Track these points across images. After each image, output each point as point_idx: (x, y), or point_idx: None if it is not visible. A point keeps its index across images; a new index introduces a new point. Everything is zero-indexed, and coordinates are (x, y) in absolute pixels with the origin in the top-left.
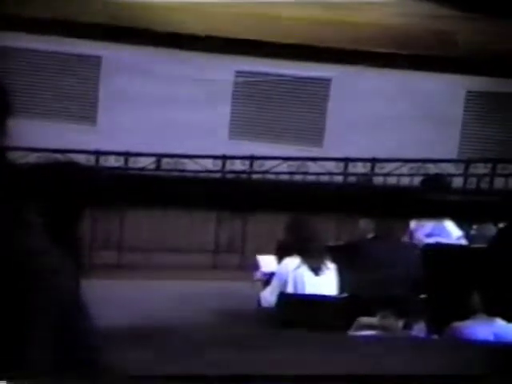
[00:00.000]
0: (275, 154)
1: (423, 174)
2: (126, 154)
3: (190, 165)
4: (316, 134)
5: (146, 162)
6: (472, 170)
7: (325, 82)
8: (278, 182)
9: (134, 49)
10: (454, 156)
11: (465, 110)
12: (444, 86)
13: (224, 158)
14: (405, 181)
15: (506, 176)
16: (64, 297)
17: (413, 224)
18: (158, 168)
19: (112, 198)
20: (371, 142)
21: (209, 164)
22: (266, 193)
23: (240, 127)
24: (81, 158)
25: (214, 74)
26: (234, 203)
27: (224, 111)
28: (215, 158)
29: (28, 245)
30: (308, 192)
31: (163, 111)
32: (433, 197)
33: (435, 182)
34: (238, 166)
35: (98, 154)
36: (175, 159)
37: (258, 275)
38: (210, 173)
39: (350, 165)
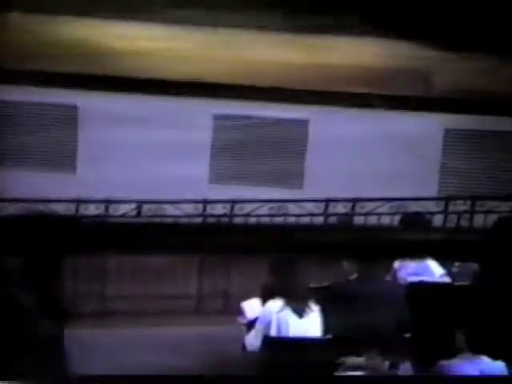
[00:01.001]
0: (256, 197)
1: (403, 213)
2: (107, 202)
3: (171, 210)
4: (296, 176)
5: (127, 209)
6: (452, 208)
7: (302, 124)
8: (259, 225)
9: (110, 97)
10: (433, 194)
11: (444, 148)
12: (422, 125)
13: (204, 202)
14: (386, 219)
15: (485, 213)
16: (44, 345)
17: (396, 263)
18: (138, 214)
19: (92, 246)
20: (351, 181)
21: (190, 209)
22: (248, 237)
23: (220, 171)
24: (61, 207)
25: (192, 118)
26: (215, 248)
27: (203, 155)
28: (196, 202)
29: (9, 293)
30: (290, 235)
31: (142, 158)
32: (414, 237)
33: (415, 220)
34: (219, 209)
35: (78, 202)
36: (156, 205)
37: (242, 319)
38: (191, 218)
39: (331, 205)
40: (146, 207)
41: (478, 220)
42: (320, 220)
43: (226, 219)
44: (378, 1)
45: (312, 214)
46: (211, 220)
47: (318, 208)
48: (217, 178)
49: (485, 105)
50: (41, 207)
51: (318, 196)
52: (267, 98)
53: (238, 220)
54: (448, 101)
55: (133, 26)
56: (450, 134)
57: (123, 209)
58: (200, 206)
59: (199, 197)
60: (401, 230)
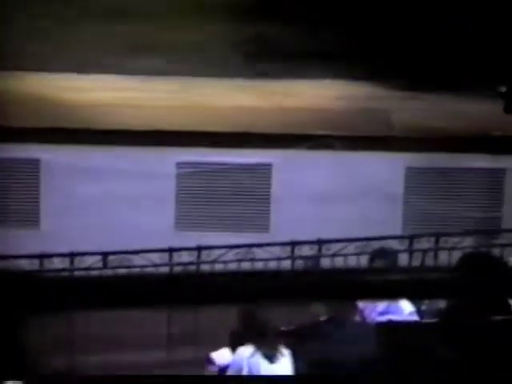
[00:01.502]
0: (222, 242)
1: (369, 253)
2: (71, 255)
3: (137, 260)
4: (261, 220)
5: (92, 261)
6: (416, 245)
7: (266, 168)
8: (225, 273)
9: (72, 149)
10: (398, 232)
11: (406, 187)
12: (384, 165)
13: (170, 250)
14: (352, 260)
15: (449, 249)
16: None
17: (361, 303)
18: (104, 266)
19: (56, 303)
20: (316, 222)
21: (156, 258)
22: (215, 285)
23: (185, 218)
24: (25, 263)
25: (155, 167)
26: (183, 298)
27: (168, 204)
28: (162, 251)
29: None
30: (256, 281)
31: (107, 208)
32: (382, 277)
33: (382, 256)
34: (186, 257)
35: (42, 257)
36: (121, 255)
37: (211, 368)
38: (157, 267)
39: (297, 247)
40: (110, 258)
41: (443, 257)
42: (287, 263)
43: (192, 267)
44: (335, 44)
45: (279, 258)
46: (178, 268)
47: (284, 251)
48: (182, 225)
49: (444, 142)
50: (4, 263)
51: (284, 239)
52: (229, 143)
53: (205, 267)
54: (408, 140)
55: (93, 78)
56: (411, 173)
57: (89, 261)
58: (166, 254)
59: (165, 245)
60: (368, 270)
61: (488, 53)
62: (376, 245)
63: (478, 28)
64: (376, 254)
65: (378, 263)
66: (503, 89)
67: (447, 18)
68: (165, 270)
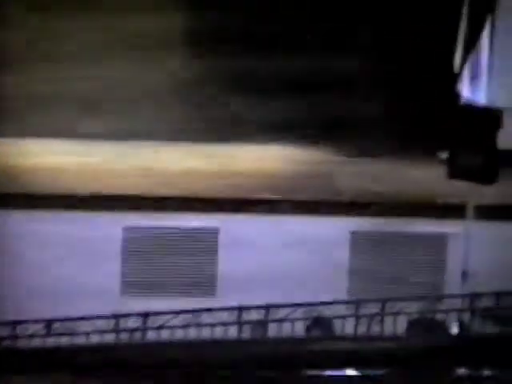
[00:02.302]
0: (168, 307)
1: (315, 317)
2: (13, 323)
3: (82, 325)
4: (208, 284)
5: (36, 328)
6: (363, 311)
7: (213, 232)
8: (172, 342)
9: (19, 213)
10: (344, 297)
11: (351, 251)
12: (330, 229)
13: (116, 316)
14: (299, 324)
15: (395, 314)
16: None
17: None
18: (48, 333)
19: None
20: (263, 287)
21: (101, 324)
22: (160, 354)
23: (131, 283)
24: None
25: (101, 231)
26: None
27: (114, 268)
28: (107, 317)
29: None
30: (202, 350)
31: (53, 273)
32: (326, 346)
33: (319, 325)
34: (132, 323)
35: None
36: (66, 322)
37: None
38: (102, 333)
39: (245, 312)
40: (55, 325)
41: (388, 322)
42: (234, 328)
43: (138, 333)
44: (282, 110)
45: (225, 324)
46: (124, 335)
47: (231, 316)
48: (128, 290)
49: (389, 207)
50: None
51: (231, 304)
52: (177, 207)
53: (150, 334)
54: (353, 204)
55: (39, 142)
56: (356, 237)
57: (32, 328)
58: (111, 321)
59: (111, 311)
60: (313, 339)
61: (429, 119)
62: (323, 309)
63: (418, 93)
64: (313, 323)
65: (315, 331)
66: (444, 155)
67: (387, 85)
68: (110, 336)
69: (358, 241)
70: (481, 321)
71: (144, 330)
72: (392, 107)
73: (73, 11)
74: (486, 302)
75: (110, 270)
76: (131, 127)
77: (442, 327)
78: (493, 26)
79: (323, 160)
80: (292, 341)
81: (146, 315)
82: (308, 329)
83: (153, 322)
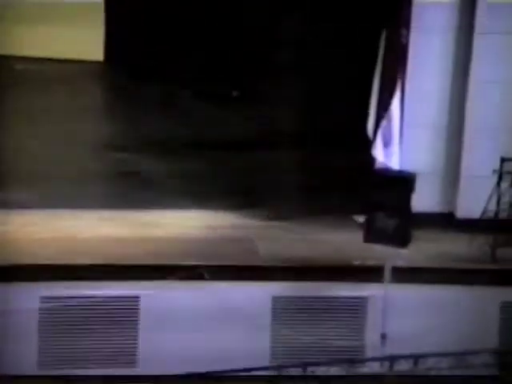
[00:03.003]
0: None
1: None
2: None
3: None
4: (129, 354)
5: None
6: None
7: (133, 300)
8: None
9: None
10: (265, 362)
11: (273, 316)
12: (252, 294)
13: None
14: None
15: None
16: None
17: None
18: None
19: None
20: (185, 354)
21: None
22: None
23: (49, 356)
24: None
25: (17, 302)
26: None
27: (31, 341)
28: None
29: None
30: None
31: None
32: None
33: None
34: None
35: None
36: None
37: None
38: None
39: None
40: None
41: None
42: None
43: None
44: (199, 176)
45: None
46: None
47: None
48: (46, 362)
49: (308, 271)
50: None
51: (152, 374)
52: (96, 276)
53: None
54: (274, 269)
55: None
56: (277, 302)
57: None
58: None
59: None
60: None
61: (346, 183)
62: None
63: (335, 158)
64: None
65: None
66: (361, 219)
67: (303, 149)
68: None
69: (278, 305)
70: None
71: None
72: (310, 172)
73: None
74: (404, 365)
75: (27, 343)
76: (50, 195)
77: None
78: (402, 93)
79: (243, 225)
80: None
81: None
82: None
83: None
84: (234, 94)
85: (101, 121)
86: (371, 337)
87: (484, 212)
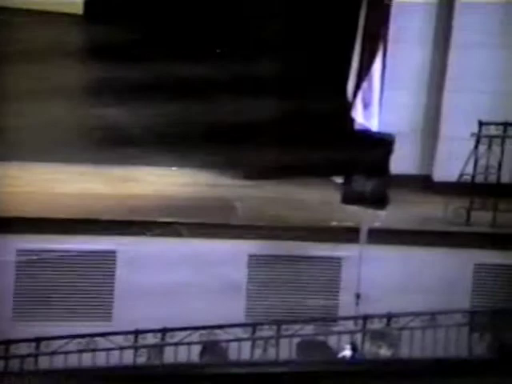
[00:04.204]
0: (63, 332)
1: (213, 341)
2: None
3: None
4: (104, 308)
5: None
6: (259, 333)
7: (110, 255)
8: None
9: None
10: (241, 320)
11: (248, 275)
12: (228, 252)
13: (7, 342)
14: (196, 348)
15: (291, 337)
16: None
17: None
18: None
19: None
20: (160, 311)
21: None
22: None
23: (24, 308)
24: None
25: None
26: None
27: (6, 292)
28: None
29: None
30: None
31: None
32: (219, 370)
33: (213, 350)
34: (24, 349)
35: None
36: None
37: None
38: None
39: (141, 336)
40: None
41: (284, 344)
42: (130, 353)
43: (30, 359)
44: (180, 133)
45: (121, 347)
46: (15, 361)
47: (127, 340)
48: (21, 315)
49: (285, 231)
50: None
51: (127, 327)
52: (73, 230)
53: (43, 359)
54: (251, 227)
55: None
56: (253, 260)
57: None
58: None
59: (2, 337)
60: (208, 364)
61: (325, 144)
62: (220, 333)
63: (314, 119)
64: (207, 346)
65: (208, 356)
66: (339, 180)
67: (284, 110)
68: (0, 363)
69: (254, 263)
70: (372, 343)
71: (36, 355)
72: (288, 132)
73: None
74: (377, 324)
75: (3, 295)
76: (27, 148)
77: (329, 349)
78: (384, 55)
79: (220, 183)
80: (188, 366)
81: (38, 340)
82: (202, 353)
83: (46, 347)
84: (218, 50)
85: (81, 74)
86: (345, 297)
87: (461, 175)
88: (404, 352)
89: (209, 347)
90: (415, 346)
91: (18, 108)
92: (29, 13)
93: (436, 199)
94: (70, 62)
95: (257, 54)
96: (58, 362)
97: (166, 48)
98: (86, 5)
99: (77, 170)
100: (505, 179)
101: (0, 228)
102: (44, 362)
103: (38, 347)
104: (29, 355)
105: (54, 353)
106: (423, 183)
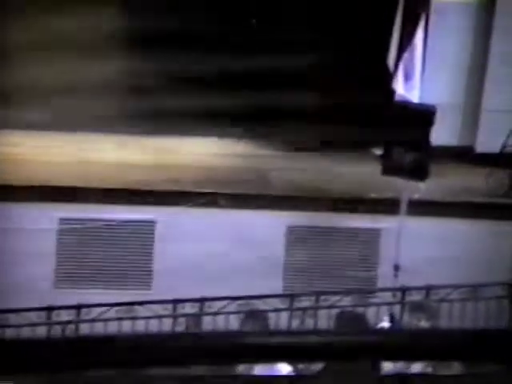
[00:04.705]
0: (103, 300)
1: (249, 311)
2: None
3: (13, 318)
4: (144, 277)
5: None
6: (296, 304)
7: (149, 225)
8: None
9: None
10: (279, 291)
11: (286, 245)
12: (265, 223)
13: (49, 309)
14: (234, 318)
15: (329, 308)
16: None
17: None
18: None
19: None
20: (199, 280)
21: (33, 316)
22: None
23: (65, 275)
24: None
25: (36, 222)
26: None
27: (49, 259)
28: (39, 309)
29: None
30: (137, 345)
31: None
32: (259, 340)
33: (253, 319)
34: (65, 316)
35: None
36: None
37: None
38: (34, 326)
39: (179, 306)
40: None
41: (322, 315)
42: (169, 321)
43: (71, 326)
44: (219, 104)
45: (160, 316)
46: (57, 328)
47: (166, 309)
48: (62, 282)
49: (323, 202)
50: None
51: (166, 297)
52: (113, 200)
53: (84, 326)
54: (289, 199)
55: None
56: (291, 231)
57: None
58: (43, 313)
59: (45, 303)
60: (247, 333)
61: (364, 115)
62: (257, 303)
63: (354, 90)
64: (247, 316)
65: (250, 324)
66: (379, 151)
67: (323, 82)
68: (42, 329)
69: (293, 235)
70: (411, 314)
71: (77, 322)
72: (327, 103)
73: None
74: (416, 296)
75: (45, 260)
76: (68, 118)
77: (365, 321)
78: (426, 26)
79: (259, 154)
80: (227, 335)
81: (79, 308)
82: (243, 322)
83: (86, 314)
84: (253, 21)
85: (120, 51)
86: (384, 268)
87: (503, 146)
88: (443, 324)
89: (250, 316)
90: (454, 317)
91: (59, 79)
92: None
93: (477, 170)
94: (110, 32)
95: (294, 26)
96: (98, 328)
97: (203, 18)
98: None
99: (115, 140)
100: None
101: (42, 197)
102: (84, 329)
103: (78, 314)
104: (69, 322)
105: (94, 320)
106: (465, 154)
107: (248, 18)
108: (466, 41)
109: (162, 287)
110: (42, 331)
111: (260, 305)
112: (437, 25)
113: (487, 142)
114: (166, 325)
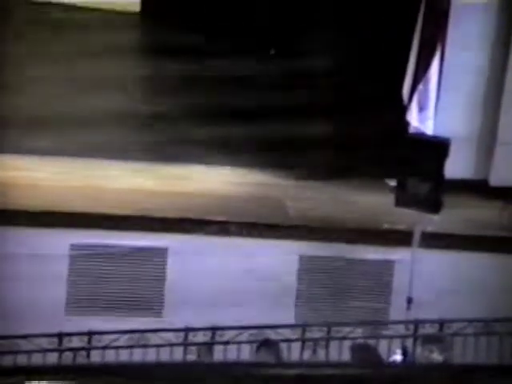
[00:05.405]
0: (115, 327)
1: (266, 340)
2: None
3: (25, 344)
4: (155, 304)
5: None
6: (308, 334)
7: (161, 252)
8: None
9: None
10: (291, 321)
11: (298, 276)
12: (279, 252)
13: (60, 335)
14: (245, 348)
15: (341, 339)
16: None
17: None
18: None
19: None
20: (211, 309)
21: (44, 343)
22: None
23: (77, 302)
24: None
25: (48, 248)
26: None
27: (60, 285)
28: (50, 336)
29: None
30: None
31: None
32: (272, 371)
33: (267, 347)
34: (76, 343)
35: None
36: (9, 340)
37: None
38: (46, 352)
39: (191, 334)
40: None
41: (333, 346)
42: (180, 350)
43: (83, 353)
44: (234, 133)
45: (172, 344)
46: (68, 354)
47: (177, 337)
48: (73, 309)
49: (336, 233)
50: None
51: (178, 325)
52: (125, 226)
53: (95, 353)
54: (302, 228)
55: None
56: (303, 261)
57: None
58: (55, 340)
59: (55, 330)
60: (260, 363)
61: (379, 146)
62: (269, 333)
63: (369, 121)
64: (260, 345)
65: (263, 354)
66: (393, 182)
67: (338, 111)
68: (53, 355)
69: (305, 265)
70: (424, 348)
71: (88, 349)
72: (342, 133)
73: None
74: (429, 329)
75: (56, 289)
76: (81, 144)
77: (378, 353)
78: (441, 59)
79: (273, 183)
80: (239, 365)
81: (90, 334)
82: (255, 351)
83: (98, 341)
84: (272, 51)
85: (136, 71)
86: (397, 300)
87: None
88: (456, 358)
89: (263, 345)
90: (468, 351)
91: (74, 104)
92: (85, 10)
93: (491, 204)
94: (124, 60)
95: (310, 56)
96: (110, 355)
97: (220, 47)
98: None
99: (130, 166)
100: None
101: (54, 222)
102: (95, 356)
103: (90, 341)
104: (81, 348)
105: (105, 347)
106: (479, 188)
107: (267, 48)
108: (481, 74)
109: (174, 315)
110: (53, 358)
111: (271, 335)
112: (452, 57)
113: (502, 175)
114: (178, 353)
